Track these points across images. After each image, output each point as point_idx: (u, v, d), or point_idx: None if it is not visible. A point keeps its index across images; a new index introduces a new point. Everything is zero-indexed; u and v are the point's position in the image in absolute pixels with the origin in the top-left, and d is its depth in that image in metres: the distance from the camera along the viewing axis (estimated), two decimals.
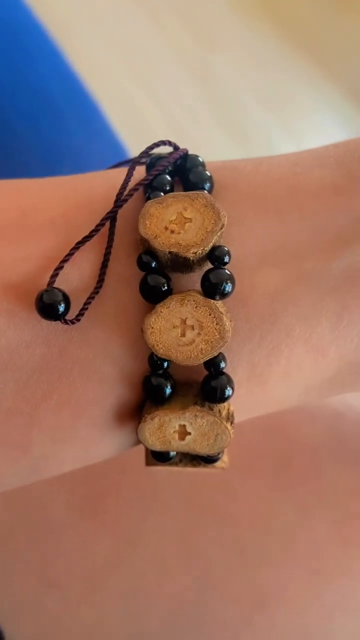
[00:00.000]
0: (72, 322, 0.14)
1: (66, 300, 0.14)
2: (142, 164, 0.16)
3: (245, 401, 0.15)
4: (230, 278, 0.14)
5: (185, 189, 0.15)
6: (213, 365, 0.14)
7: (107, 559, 0.22)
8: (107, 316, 0.14)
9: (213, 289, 0.14)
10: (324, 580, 0.22)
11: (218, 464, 0.16)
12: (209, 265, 0.14)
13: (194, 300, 0.14)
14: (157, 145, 0.16)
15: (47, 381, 0.14)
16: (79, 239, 0.14)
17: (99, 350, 0.14)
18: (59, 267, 0.14)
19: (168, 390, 0.14)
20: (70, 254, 0.14)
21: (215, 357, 0.14)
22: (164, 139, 0.16)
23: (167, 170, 0.16)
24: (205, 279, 0.14)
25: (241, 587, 0.22)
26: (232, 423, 0.15)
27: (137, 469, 0.23)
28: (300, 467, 0.23)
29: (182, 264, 0.14)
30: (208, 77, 1.10)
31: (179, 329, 0.14)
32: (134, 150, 0.16)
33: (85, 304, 0.14)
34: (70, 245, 0.14)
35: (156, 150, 0.16)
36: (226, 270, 0.14)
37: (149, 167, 0.16)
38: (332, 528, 0.22)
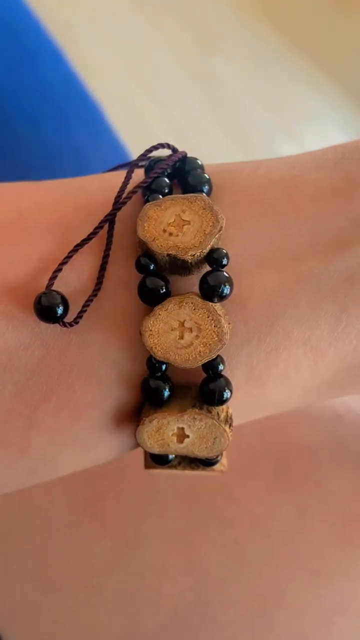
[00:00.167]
0: (71, 325, 0.14)
1: (64, 302, 0.14)
2: (140, 167, 0.16)
3: (243, 404, 0.15)
4: (229, 280, 0.14)
5: (184, 192, 0.15)
6: (211, 368, 0.14)
7: (106, 561, 0.22)
8: (106, 319, 0.14)
9: (211, 291, 0.14)
10: (323, 582, 0.22)
11: (217, 466, 0.16)
12: (207, 268, 0.14)
13: (192, 303, 0.14)
14: (155, 148, 0.16)
15: (46, 383, 0.14)
16: (78, 241, 0.14)
17: (98, 353, 0.14)
18: (58, 270, 0.14)
19: (166, 393, 0.14)
20: (69, 257, 0.14)
21: (214, 359, 0.14)
22: (164, 140, 0.16)
23: (165, 173, 0.16)
24: (203, 281, 0.14)
25: (240, 590, 0.22)
26: (230, 426, 0.15)
27: (137, 471, 0.23)
28: (299, 469, 0.23)
29: (180, 267, 0.14)
30: (209, 78, 1.10)
31: (177, 332, 0.14)
32: (134, 151, 0.16)
33: (83, 306, 0.14)
34: (69, 248, 0.14)
35: (155, 153, 0.16)
36: (224, 273, 0.14)
37: (148, 170, 0.16)
38: (331, 530, 0.22)
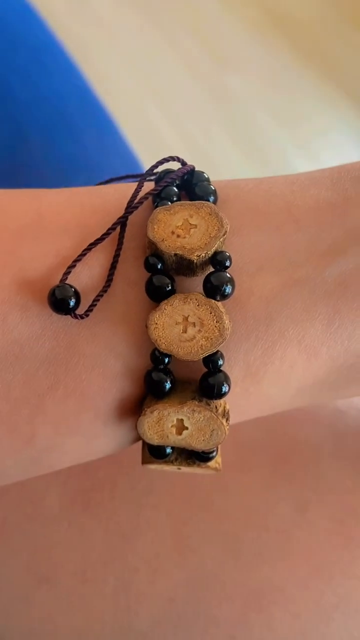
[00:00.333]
0: (82, 317, 0.15)
1: (77, 295, 0.15)
2: (151, 180, 0.18)
3: (240, 400, 0.16)
4: (231, 281, 0.15)
5: (192, 201, 0.17)
6: (211, 362, 0.15)
7: (101, 553, 0.22)
8: (114, 314, 0.15)
9: (214, 290, 0.15)
10: (322, 579, 0.22)
11: (212, 463, 0.17)
12: (211, 270, 0.15)
13: (196, 299, 0.15)
14: (166, 160, 0.17)
15: (54, 373, 0.15)
16: (92, 241, 0.15)
17: (105, 345, 0.15)
18: (72, 266, 0.15)
19: (168, 385, 0.15)
20: (82, 254, 0.15)
21: (214, 354, 0.15)
22: (180, 156, 0.18)
23: (175, 183, 0.17)
24: (207, 280, 0.15)
25: (236, 586, 0.22)
26: (227, 420, 0.16)
27: (132, 463, 0.23)
28: (299, 464, 0.23)
29: (186, 267, 0.15)
30: (223, 94, 1.12)
31: (181, 326, 0.15)
32: (148, 166, 0.18)
33: (94, 300, 0.15)
34: (83, 247, 0.15)
35: (165, 166, 0.18)
36: (227, 274, 0.15)
37: (158, 181, 0.17)
38: (331, 526, 0.22)
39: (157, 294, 0.15)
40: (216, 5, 1.26)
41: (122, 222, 0.16)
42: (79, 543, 0.22)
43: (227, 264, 0.15)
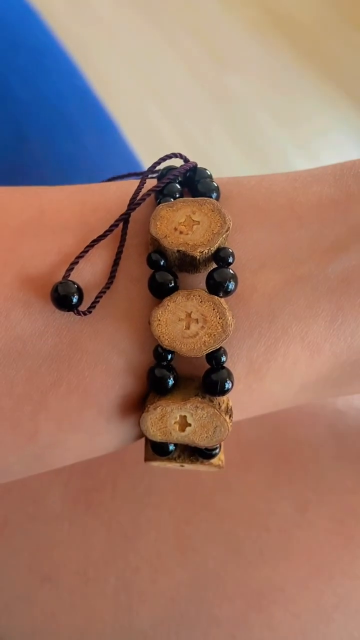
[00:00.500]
0: (84, 313, 0.15)
1: (79, 292, 0.15)
2: (153, 178, 0.18)
3: (243, 397, 0.16)
4: (234, 277, 0.15)
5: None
6: (214, 359, 0.15)
7: (102, 553, 0.22)
8: (117, 310, 0.15)
9: (217, 286, 0.15)
10: (323, 579, 0.22)
11: (214, 460, 0.17)
12: (214, 266, 0.15)
13: (199, 296, 0.15)
14: (168, 157, 0.17)
15: (57, 370, 0.15)
16: (93, 238, 0.15)
17: (107, 342, 0.15)
18: (74, 262, 0.15)
19: (171, 382, 0.15)
20: (85, 251, 0.15)
21: (217, 350, 0.15)
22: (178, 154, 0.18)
23: (177, 180, 0.17)
24: (210, 277, 0.15)
25: (237, 585, 0.22)
26: (230, 416, 0.16)
27: (134, 462, 0.23)
28: (299, 464, 0.23)
29: (189, 263, 0.15)
30: (223, 94, 1.13)
31: (184, 322, 0.15)
32: (148, 167, 0.18)
33: (97, 297, 0.15)
34: (86, 244, 0.15)
35: (168, 163, 0.18)
36: (230, 270, 0.15)
37: (160, 177, 0.17)
38: (331, 526, 0.22)
39: (160, 291, 0.15)
40: (216, 5, 1.26)
41: (124, 218, 0.16)
42: (81, 542, 0.22)
43: (230, 260, 0.15)
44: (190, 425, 0.15)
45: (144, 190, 0.16)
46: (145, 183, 0.16)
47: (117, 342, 0.15)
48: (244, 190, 0.17)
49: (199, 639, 0.22)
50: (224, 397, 0.16)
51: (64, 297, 0.15)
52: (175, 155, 0.17)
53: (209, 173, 0.17)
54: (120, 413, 0.16)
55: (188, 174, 0.17)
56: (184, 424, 0.15)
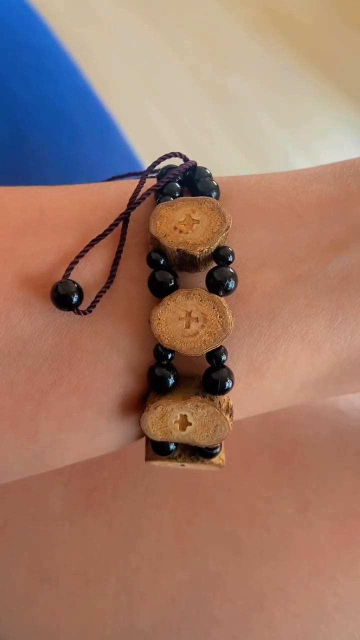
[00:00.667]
0: (84, 313, 0.15)
1: (79, 291, 0.15)
2: (153, 177, 0.18)
3: (243, 396, 0.16)
4: (234, 276, 0.15)
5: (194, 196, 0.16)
6: (215, 358, 0.15)
7: (103, 553, 0.22)
8: (117, 310, 0.15)
9: (217, 285, 0.15)
10: (324, 579, 0.22)
11: (215, 460, 0.17)
12: (214, 265, 0.15)
13: (199, 294, 0.15)
14: (168, 156, 0.17)
15: (57, 369, 0.15)
16: (94, 237, 0.15)
17: (108, 341, 0.15)
18: (74, 262, 0.15)
19: (171, 381, 0.15)
20: (85, 250, 0.15)
21: (217, 349, 0.15)
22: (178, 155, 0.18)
23: (177, 179, 0.17)
24: (210, 276, 0.15)
25: (238, 585, 0.22)
26: (231, 415, 0.16)
27: (135, 462, 0.23)
28: (300, 464, 0.23)
29: (189, 262, 0.15)
30: (223, 94, 1.13)
31: (184, 321, 0.15)
32: (148, 166, 0.18)
33: (97, 296, 0.15)
34: (86, 243, 0.15)
35: (167, 162, 0.18)
36: (230, 269, 0.15)
37: (160, 177, 0.17)
38: (332, 526, 0.22)
39: (159, 290, 0.15)
40: (216, 5, 1.26)
41: (124, 218, 0.16)
42: (82, 543, 0.22)
43: (230, 259, 0.15)
44: (190, 424, 0.15)
45: (143, 190, 0.16)
46: (145, 182, 0.16)
47: (118, 342, 0.15)
48: (244, 189, 0.17)
49: None
50: (225, 396, 0.16)
51: (64, 297, 0.15)
52: (174, 154, 0.17)
53: (208, 172, 0.17)
54: (120, 412, 0.16)
55: (188, 173, 0.17)
56: (184, 423, 0.15)
